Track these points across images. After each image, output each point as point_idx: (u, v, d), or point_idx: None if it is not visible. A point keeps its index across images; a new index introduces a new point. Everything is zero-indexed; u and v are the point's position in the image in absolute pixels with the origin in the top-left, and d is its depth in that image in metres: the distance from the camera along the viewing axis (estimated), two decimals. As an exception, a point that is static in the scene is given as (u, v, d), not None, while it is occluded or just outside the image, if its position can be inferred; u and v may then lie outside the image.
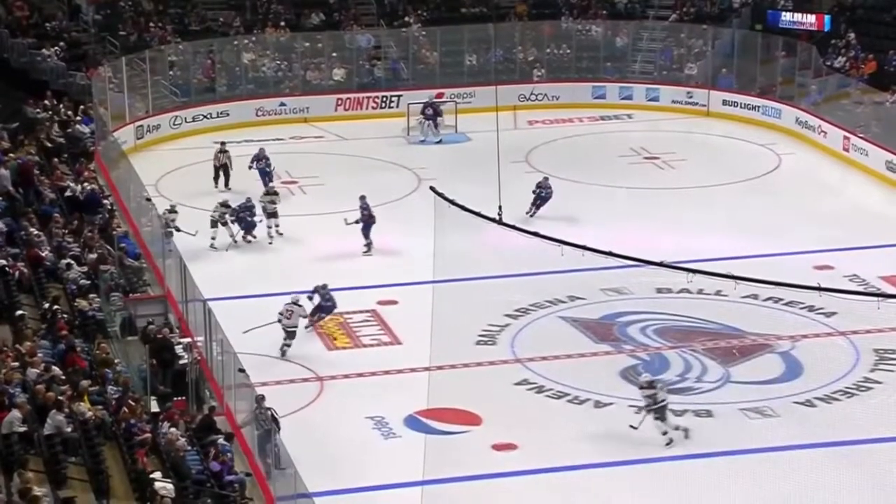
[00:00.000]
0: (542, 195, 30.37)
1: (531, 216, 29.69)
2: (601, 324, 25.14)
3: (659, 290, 26.38)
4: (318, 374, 23.09)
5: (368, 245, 28.50)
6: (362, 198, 28.45)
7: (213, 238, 28.68)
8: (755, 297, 25.56)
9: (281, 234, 29.23)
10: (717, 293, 25.70)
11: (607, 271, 26.12)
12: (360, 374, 22.97)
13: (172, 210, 28.45)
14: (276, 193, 29.70)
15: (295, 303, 23.84)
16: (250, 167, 32.18)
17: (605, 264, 25.21)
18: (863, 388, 22.57)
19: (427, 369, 22.91)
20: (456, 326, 24.52)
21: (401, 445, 20.59)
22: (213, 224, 28.82)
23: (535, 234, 24.29)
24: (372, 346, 24.36)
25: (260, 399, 19.97)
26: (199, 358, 22.09)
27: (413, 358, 23.35)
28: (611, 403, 22.14)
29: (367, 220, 28.39)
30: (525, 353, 23.94)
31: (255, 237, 28.95)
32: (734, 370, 23.33)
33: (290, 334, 23.71)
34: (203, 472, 18.47)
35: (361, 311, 25.62)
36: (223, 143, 33.36)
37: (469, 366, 23.44)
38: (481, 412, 21.64)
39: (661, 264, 26.52)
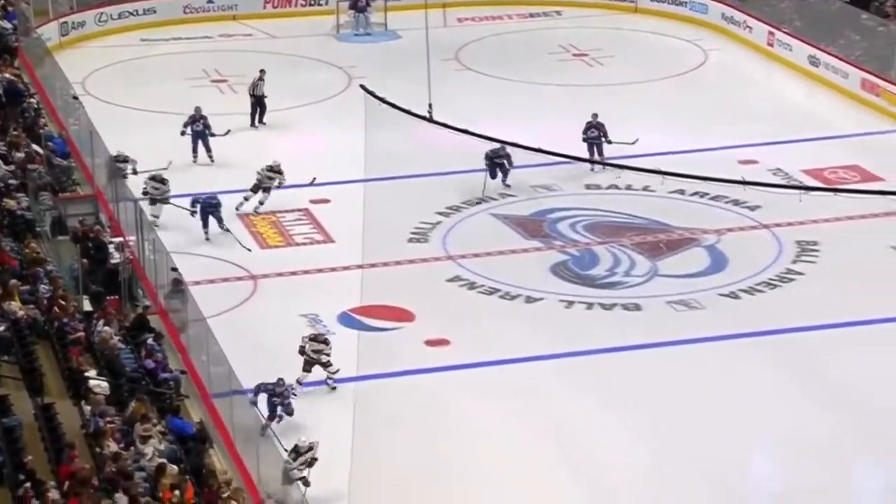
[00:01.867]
0: (592, 137, 27.07)
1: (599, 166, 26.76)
2: (531, 220, 25.40)
3: (588, 187, 26.68)
4: (252, 273, 23.17)
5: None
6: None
7: (156, 216, 24.59)
8: (682, 192, 25.95)
9: (259, 213, 25.31)
10: (645, 189, 26.07)
11: (537, 168, 26.40)
12: (294, 273, 23.07)
13: (125, 160, 25.40)
14: (280, 172, 25.35)
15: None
16: (183, 133, 27.65)
17: (535, 161, 25.62)
18: (785, 280, 23.10)
19: (360, 267, 23.12)
20: (388, 224, 24.73)
21: (334, 342, 20.73)
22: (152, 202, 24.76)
23: (466, 131, 24.46)
24: (305, 244, 24.46)
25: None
26: (130, 258, 22.08)
27: (346, 256, 23.52)
28: (541, 299, 22.50)
29: None
30: (457, 250, 24.17)
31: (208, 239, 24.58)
32: (661, 264, 23.74)
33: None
34: (138, 369, 18.55)
35: (294, 210, 25.66)
36: (263, 71, 29.67)
37: (401, 263, 23.65)
38: (414, 308, 21.91)
39: (589, 160, 27.01)
